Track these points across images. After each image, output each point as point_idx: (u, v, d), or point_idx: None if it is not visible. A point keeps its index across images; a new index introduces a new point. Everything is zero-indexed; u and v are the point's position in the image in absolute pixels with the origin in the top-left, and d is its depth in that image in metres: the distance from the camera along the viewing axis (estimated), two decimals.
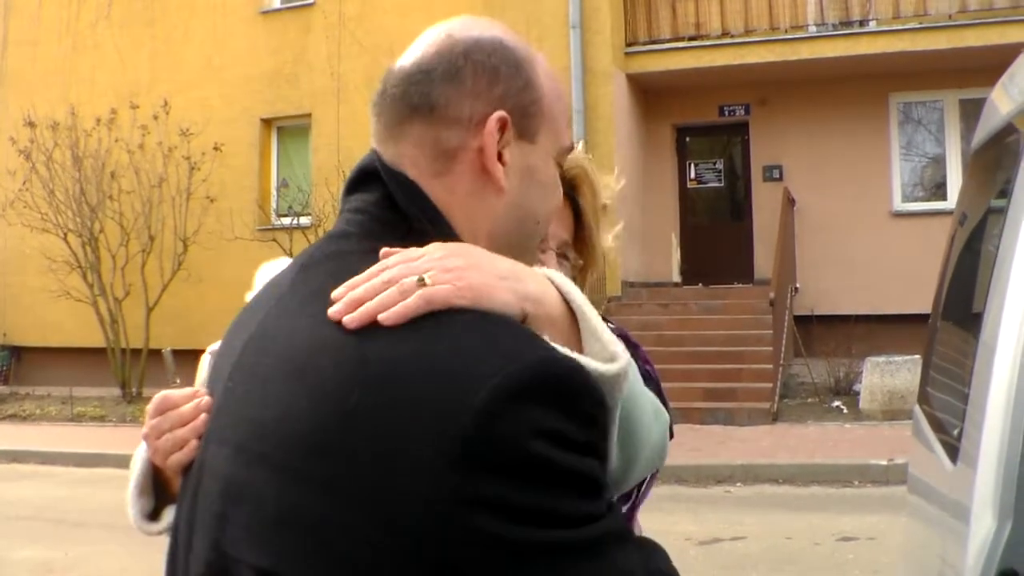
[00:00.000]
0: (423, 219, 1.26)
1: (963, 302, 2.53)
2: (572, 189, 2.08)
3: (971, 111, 16.39)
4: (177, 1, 19.11)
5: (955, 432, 2.19)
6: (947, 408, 2.47)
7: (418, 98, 1.28)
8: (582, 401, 1.09)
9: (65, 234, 17.91)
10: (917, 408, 3.51)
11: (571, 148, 1.41)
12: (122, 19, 19.59)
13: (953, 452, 2.19)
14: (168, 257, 17.84)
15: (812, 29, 16.17)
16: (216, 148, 17.45)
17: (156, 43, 19.20)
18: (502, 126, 1.27)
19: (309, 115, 18.08)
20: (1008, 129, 2.58)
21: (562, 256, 2.10)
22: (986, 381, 1.64)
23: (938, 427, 2.61)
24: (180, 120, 17.55)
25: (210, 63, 18.84)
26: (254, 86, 18.55)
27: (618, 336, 2.17)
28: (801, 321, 15.47)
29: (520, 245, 1.34)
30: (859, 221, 16.32)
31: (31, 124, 17.78)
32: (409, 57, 1.31)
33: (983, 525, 1.79)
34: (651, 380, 2.28)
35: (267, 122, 18.77)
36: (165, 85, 18.40)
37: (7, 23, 21.15)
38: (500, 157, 1.28)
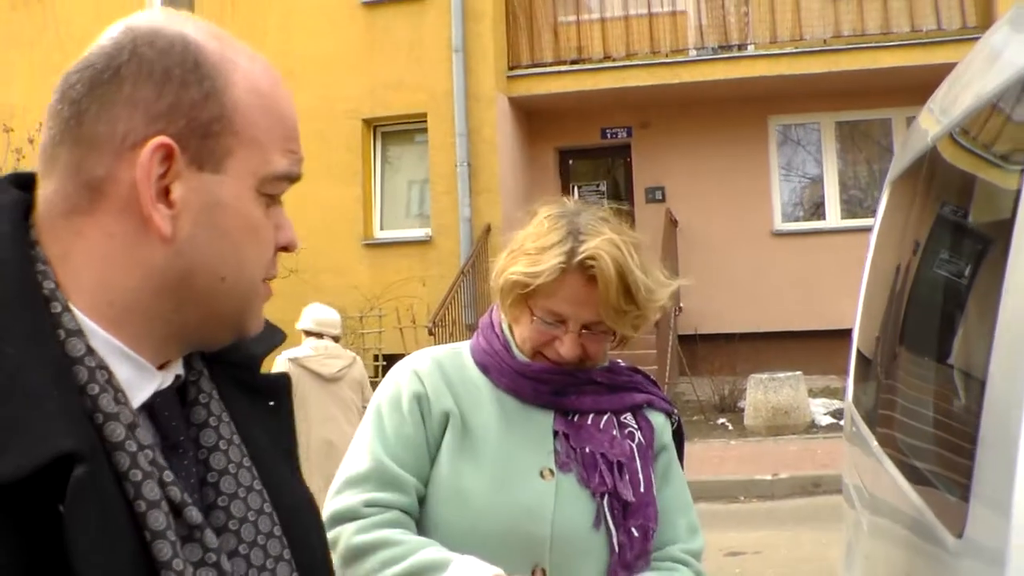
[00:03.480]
0: None
1: (935, 332, 2.48)
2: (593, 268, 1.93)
3: (847, 133, 16.87)
4: (54, 19, 18.61)
5: (939, 471, 2.09)
6: (919, 439, 2.40)
7: (68, 108, 1.00)
8: None
9: None
10: (854, 412, 3.48)
11: (292, 176, 1.08)
12: None
13: (926, 486, 2.13)
14: None
15: (692, 53, 16.37)
16: None
17: (28, 63, 18.66)
18: (166, 152, 0.98)
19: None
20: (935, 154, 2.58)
21: (588, 330, 1.98)
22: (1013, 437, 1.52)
23: (896, 449, 2.56)
24: None
25: None
26: None
27: (632, 372, 2.17)
28: (685, 340, 15.61)
29: (195, 307, 1.03)
30: (741, 241, 16.54)
31: None
32: (81, 57, 1.04)
33: None
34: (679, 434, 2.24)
35: None
36: (40, 109, 17.70)
37: None
38: (167, 194, 0.99)
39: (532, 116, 17.48)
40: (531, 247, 1.98)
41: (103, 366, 0.95)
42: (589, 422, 2.05)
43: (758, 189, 16.90)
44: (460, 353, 2.14)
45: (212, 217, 1.01)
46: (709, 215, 16.77)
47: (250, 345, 1.16)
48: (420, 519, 1.99)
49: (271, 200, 1.07)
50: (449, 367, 2.09)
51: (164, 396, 1.04)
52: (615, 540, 1.95)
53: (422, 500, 1.99)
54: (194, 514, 0.98)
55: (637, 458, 2.03)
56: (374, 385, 3.53)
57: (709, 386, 14.43)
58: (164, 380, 1.03)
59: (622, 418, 2.08)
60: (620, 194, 18.12)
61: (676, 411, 2.25)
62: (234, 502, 1.05)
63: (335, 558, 1.89)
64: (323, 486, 2.33)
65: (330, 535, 1.88)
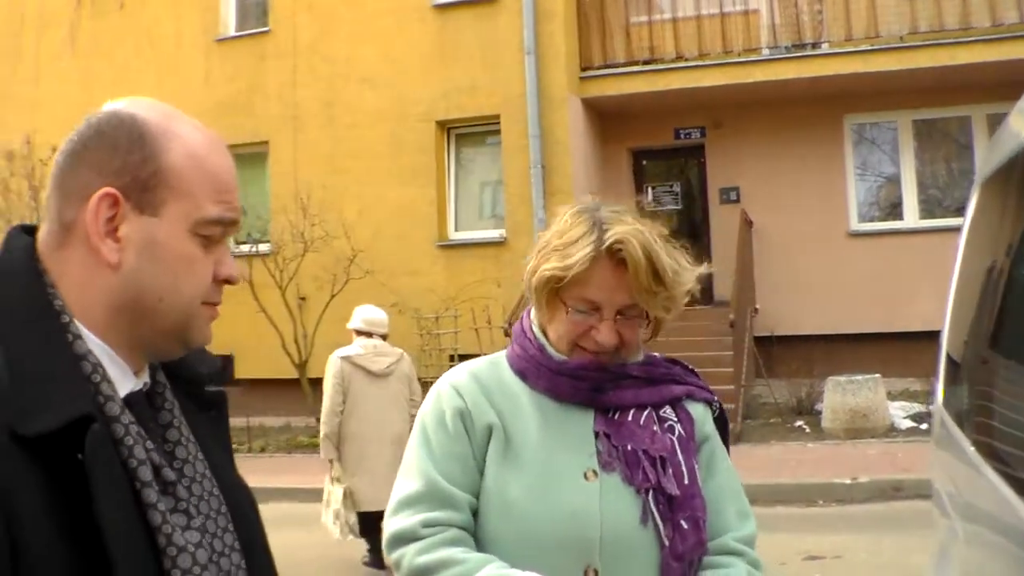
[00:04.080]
0: None
1: None
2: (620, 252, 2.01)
3: (924, 131, 16.62)
4: (134, 29, 18.94)
5: None
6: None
7: (56, 169, 1.32)
8: None
9: None
10: (945, 416, 3.45)
11: (222, 221, 1.35)
12: (78, 48, 19.42)
13: None
14: None
15: (765, 52, 16.25)
16: None
17: (112, 72, 19.01)
18: (111, 201, 1.27)
19: (266, 142, 17.94)
20: None
21: (622, 315, 2.04)
22: None
23: (999, 459, 2.52)
24: None
25: (165, 91, 18.65)
26: (209, 114, 18.37)
27: (670, 364, 2.19)
28: (761, 342, 15.46)
29: (145, 322, 1.31)
30: (816, 242, 16.39)
31: None
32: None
33: None
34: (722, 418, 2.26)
35: None
36: None
37: None
38: (115, 232, 1.28)
39: (605, 117, 17.48)
40: (559, 243, 2.05)
41: (99, 363, 1.24)
42: (629, 419, 2.07)
43: (834, 189, 16.72)
44: (497, 364, 2.19)
45: (151, 251, 1.30)
46: (784, 216, 16.64)
47: (197, 367, 1.47)
48: (475, 532, 2.03)
49: (208, 240, 1.34)
50: (487, 379, 2.14)
51: (137, 397, 1.32)
52: (663, 535, 1.98)
53: (475, 513, 2.03)
54: (169, 473, 1.28)
55: (679, 451, 2.06)
56: None
57: (786, 388, 14.32)
58: (136, 384, 1.32)
59: (661, 412, 2.11)
60: (693, 195, 18.07)
61: (717, 399, 2.26)
62: (194, 484, 1.33)
63: None
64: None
65: (393, 556, 1.99)
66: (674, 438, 2.07)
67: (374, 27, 17.01)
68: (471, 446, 2.04)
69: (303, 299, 15.58)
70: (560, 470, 2.01)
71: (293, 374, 15.67)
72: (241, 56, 18.46)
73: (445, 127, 17.04)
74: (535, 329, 2.16)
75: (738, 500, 2.17)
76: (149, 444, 1.27)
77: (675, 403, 2.14)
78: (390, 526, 2.02)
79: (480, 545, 2.00)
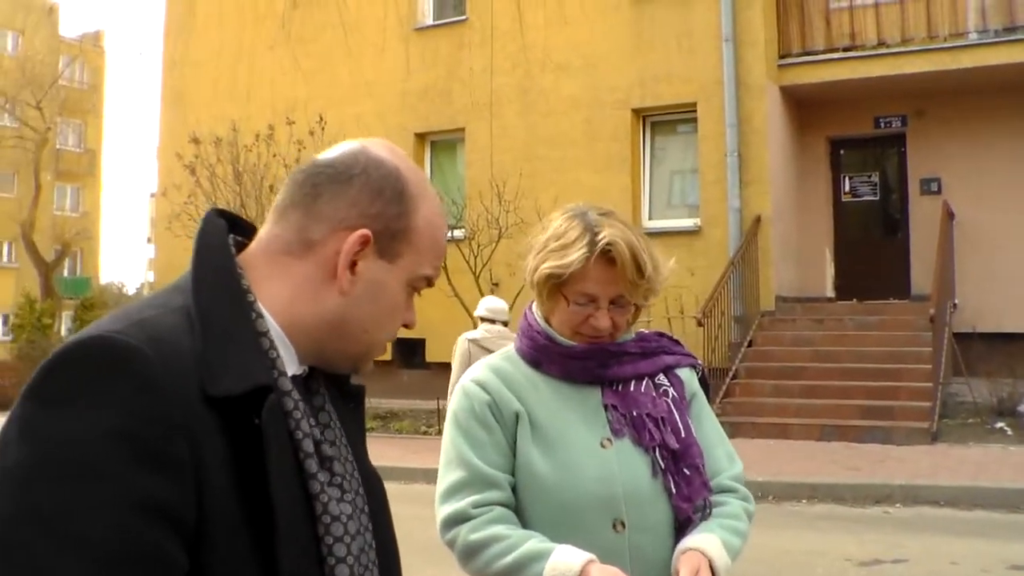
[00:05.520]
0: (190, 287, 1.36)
1: None
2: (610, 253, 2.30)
3: None
4: (333, 20, 19.63)
5: None
6: None
7: (310, 188, 1.44)
8: None
9: None
10: None
11: (431, 281, 1.52)
12: (281, 38, 20.23)
13: None
14: None
15: (973, 36, 15.68)
16: None
17: (313, 60, 19.77)
18: (364, 241, 1.40)
19: (462, 129, 18.37)
20: None
21: (615, 304, 2.34)
22: None
23: None
24: (335, 135, 17.80)
25: (364, 79, 19.31)
26: (408, 101, 18.95)
27: (659, 337, 2.53)
28: (961, 339, 14.99)
29: (340, 342, 1.45)
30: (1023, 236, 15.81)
31: (196, 141, 18.42)
32: (326, 153, 1.48)
33: None
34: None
35: (420, 137, 19.14)
36: (321, 101, 18.88)
37: (176, 46, 22.13)
38: (354, 265, 1.41)
39: (803, 105, 17.23)
40: (555, 245, 2.34)
41: (274, 344, 1.36)
42: (631, 389, 2.41)
43: None
44: (510, 358, 2.51)
45: (375, 291, 1.44)
46: (990, 208, 16.09)
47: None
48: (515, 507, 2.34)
49: (412, 292, 1.51)
50: (506, 372, 2.45)
51: (296, 380, 1.43)
52: (671, 483, 2.31)
53: (513, 490, 2.33)
54: (327, 449, 1.41)
55: (674, 411, 2.39)
56: None
57: (986, 388, 13.88)
58: (298, 369, 1.45)
59: (656, 380, 2.44)
60: (892, 185, 17.65)
61: (700, 363, 2.60)
62: (343, 463, 1.47)
63: (455, 555, 2.31)
64: None
65: (447, 536, 2.31)
66: (669, 400, 2.41)
67: (570, 15, 17.20)
68: (503, 433, 2.36)
69: (496, 284, 15.90)
70: (580, 442, 2.33)
71: None
72: (439, 44, 18.92)
73: (640, 115, 17.12)
74: (541, 322, 2.46)
75: (724, 444, 2.50)
76: (311, 420, 1.39)
77: (667, 371, 2.47)
78: (442, 512, 2.32)
79: (520, 517, 2.31)
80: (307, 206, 1.42)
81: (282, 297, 1.40)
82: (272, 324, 1.39)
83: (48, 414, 1.17)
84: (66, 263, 45.37)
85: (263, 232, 1.46)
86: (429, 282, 1.52)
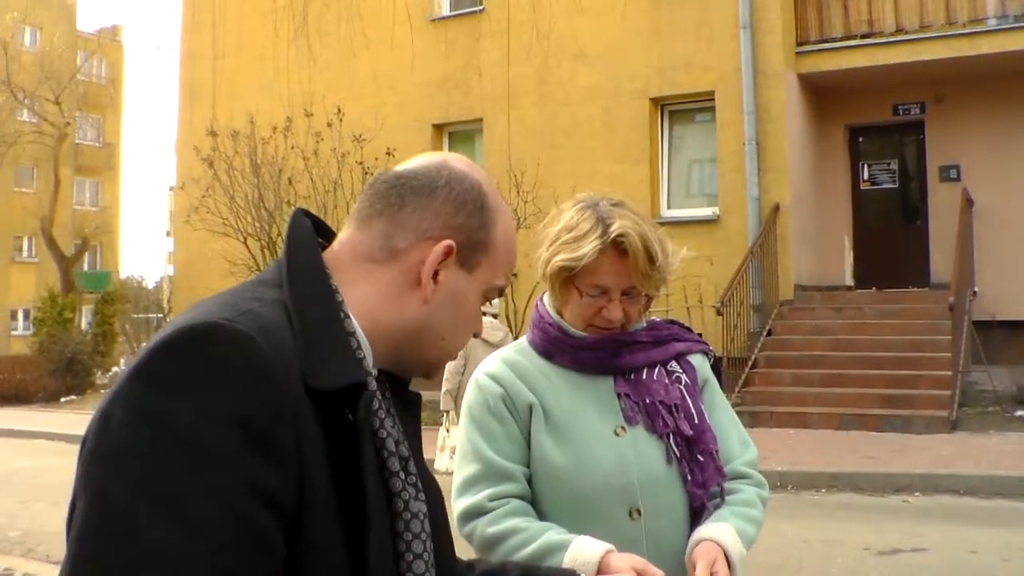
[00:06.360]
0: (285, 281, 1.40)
1: None
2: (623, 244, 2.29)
3: None
4: (349, 12, 19.61)
5: None
6: None
7: (395, 198, 1.48)
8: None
9: (245, 238, 18.50)
10: None
11: (502, 291, 1.57)
12: (298, 31, 20.24)
13: None
14: None
15: (992, 22, 15.57)
16: (388, 153, 17.76)
17: (330, 53, 19.77)
18: (448, 251, 1.45)
19: (480, 120, 18.37)
20: None
21: (626, 295, 2.34)
22: None
23: None
24: (353, 127, 17.96)
25: (382, 71, 19.32)
26: (425, 92, 18.95)
27: (669, 324, 2.52)
28: (980, 327, 14.91)
29: (417, 347, 1.50)
30: None
31: (213, 134, 18.44)
32: (407, 165, 1.53)
33: None
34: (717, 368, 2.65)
35: (438, 128, 19.15)
36: (339, 93, 18.89)
37: (193, 40, 22.21)
38: (436, 274, 1.46)
39: (821, 93, 17.17)
40: (568, 238, 2.34)
41: (361, 344, 1.40)
42: (644, 377, 2.41)
43: None
44: (523, 349, 2.50)
45: (455, 300, 1.49)
46: (1009, 195, 16.00)
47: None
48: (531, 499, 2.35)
49: (484, 300, 1.55)
50: (518, 364, 2.44)
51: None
52: (686, 469, 2.31)
53: (529, 481, 2.34)
54: (404, 449, 1.44)
55: (687, 397, 2.39)
56: None
57: (1006, 376, 13.82)
58: (372, 371, 1.45)
59: (668, 367, 2.44)
60: (911, 173, 17.57)
61: (712, 350, 2.59)
62: (416, 464, 1.49)
63: (474, 548, 2.30)
64: None
65: (465, 530, 2.30)
66: (682, 387, 2.41)
67: (587, 4, 17.15)
68: (517, 425, 2.36)
69: (515, 275, 15.81)
70: (594, 431, 2.33)
71: None
72: (456, 35, 18.92)
73: (658, 104, 17.09)
74: (552, 314, 2.46)
75: (738, 429, 2.50)
76: (392, 420, 1.44)
77: (678, 357, 2.47)
78: (458, 505, 2.32)
79: (536, 508, 2.32)
80: (391, 215, 1.47)
81: (366, 301, 1.44)
82: (356, 326, 1.42)
83: (163, 396, 1.18)
84: (86, 257, 45.51)
85: (344, 237, 1.50)
86: (501, 292, 1.58)
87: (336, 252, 1.48)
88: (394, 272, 1.45)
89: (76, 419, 19.48)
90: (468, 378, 9.41)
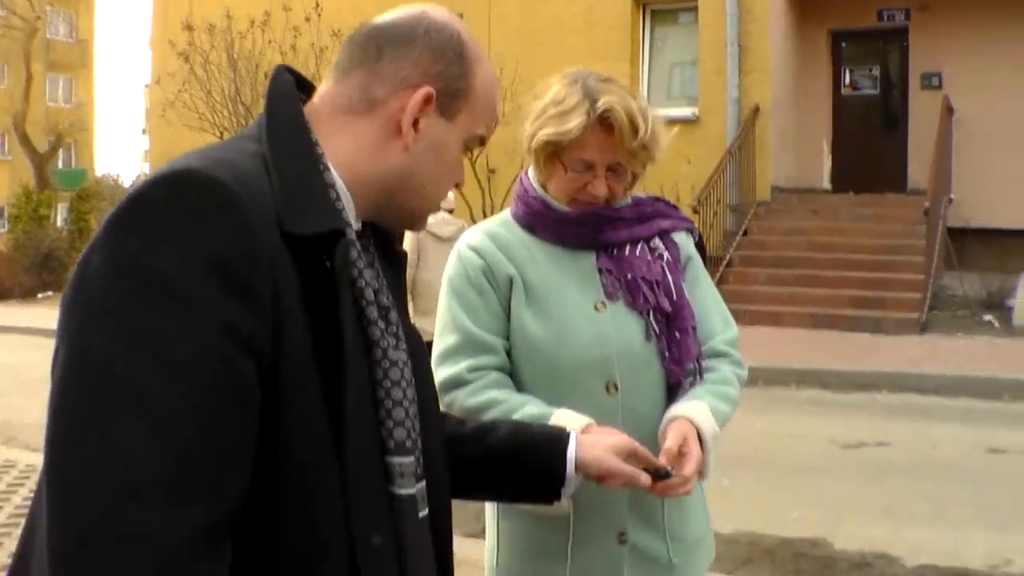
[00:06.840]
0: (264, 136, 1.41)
1: None
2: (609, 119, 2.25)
3: None
4: None
5: None
6: None
7: (373, 49, 1.48)
8: None
9: (221, 133, 18.35)
10: None
11: (483, 140, 1.58)
12: None
13: None
14: None
15: None
16: None
17: None
18: (427, 98, 1.45)
19: (460, 15, 17.96)
20: None
21: (612, 171, 2.32)
22: None
23: None
24: (332, 22, 17.73)
25: None
26: None
27: (654, 201, 2.50)
28: (955, 234, 15.02)
29: (399, 198, 1.50)
30: (1022, 132, 15.72)
31: (189, 28, 18.18)
32: (385, 16, 1.52)
33: None
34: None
35: None
36: None
37: None
38: (416, 123, 1.46)
39: None
40: (554, 112, 2.29)
41: (340, 196, 1.41)
42: (627, 253, 2.39)
43: None
44: (506, 222, 2.48)
45: (436, 148, 1.49)
46: (991, 104, 15.98)
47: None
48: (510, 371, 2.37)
49: (465, 151, 1.56)
50: (501, 236, 2.43)
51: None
52: (664, 346, 2.32)
53: (508, 353, 2.35)
54: (384, 299, 1.47)
55: (668, 274, 2.38)
56: None
57: (977, 282, 13.96)
58: (355, 224, 1.48)
59: (652, 244, 2.42)
60: (892, 79, 17.51)
61: (696, 228, 2.59)
62: (397, 315, 1.52)
63: None
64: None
65: (444, 400, 2.31)
66: (663, 264, 2.40)
67: None
68: (497, 297, 2.36)
69: (492, 171, 15.86)
70: (574, 305, 2.33)
71: None
72: None
73: (641, 3, 16.90)
74: (536, 187, 2.44)
75: (719, 307, 2.51)
76: (371, 269, 1.45)
77: (663, 235, 2.45)
78: (438, 375, 2.30)
79: (514, 380, 2.34)
80: (369, 66, 1.46)
81: (346, 152, 1.44)
82: (336, 177, 1.42)
83: (140, 242, 1.18)
84: (60, 155, 45.13)
85: (323, 90, 1.49)
86: (482, 141, 1.58)
87: (316, 106, 1.48)
88: (374, 122, 1.45)
89: (53, 314, 19.05)
90: (423, 268, 9.63)
